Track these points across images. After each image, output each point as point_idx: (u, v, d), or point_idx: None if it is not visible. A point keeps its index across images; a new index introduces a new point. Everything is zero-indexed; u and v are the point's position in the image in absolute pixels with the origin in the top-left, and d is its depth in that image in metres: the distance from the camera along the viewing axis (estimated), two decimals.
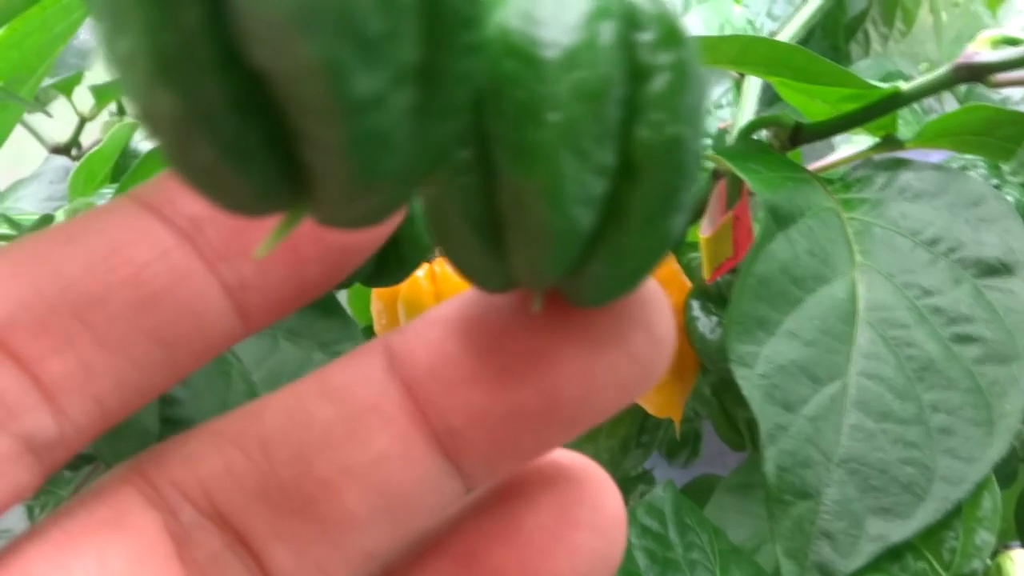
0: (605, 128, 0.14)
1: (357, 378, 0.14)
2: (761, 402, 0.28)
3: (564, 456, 0.15)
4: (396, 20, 0.10)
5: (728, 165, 0.31)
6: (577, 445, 0.51)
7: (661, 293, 0.15)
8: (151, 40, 0.10)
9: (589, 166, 0.14)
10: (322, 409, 0.14)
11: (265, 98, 0.11)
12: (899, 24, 0.75)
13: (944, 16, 0.70)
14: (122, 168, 0.39)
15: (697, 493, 0.66)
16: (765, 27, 0.70)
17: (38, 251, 0.13)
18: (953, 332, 0.30)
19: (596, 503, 0.14)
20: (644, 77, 0.14)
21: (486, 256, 0.17)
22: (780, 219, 0.30)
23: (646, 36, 0.15)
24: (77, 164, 0.36)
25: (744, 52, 0.32)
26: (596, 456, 0.51)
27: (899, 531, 0.27)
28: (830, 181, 0.36)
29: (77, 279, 0.13)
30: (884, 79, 0.61)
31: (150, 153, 0.31)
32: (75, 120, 0.62)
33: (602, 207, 0.15)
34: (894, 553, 0.27)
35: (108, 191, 0.34)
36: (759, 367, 0.29)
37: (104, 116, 0.64)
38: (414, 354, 0.14)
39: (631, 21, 0.15)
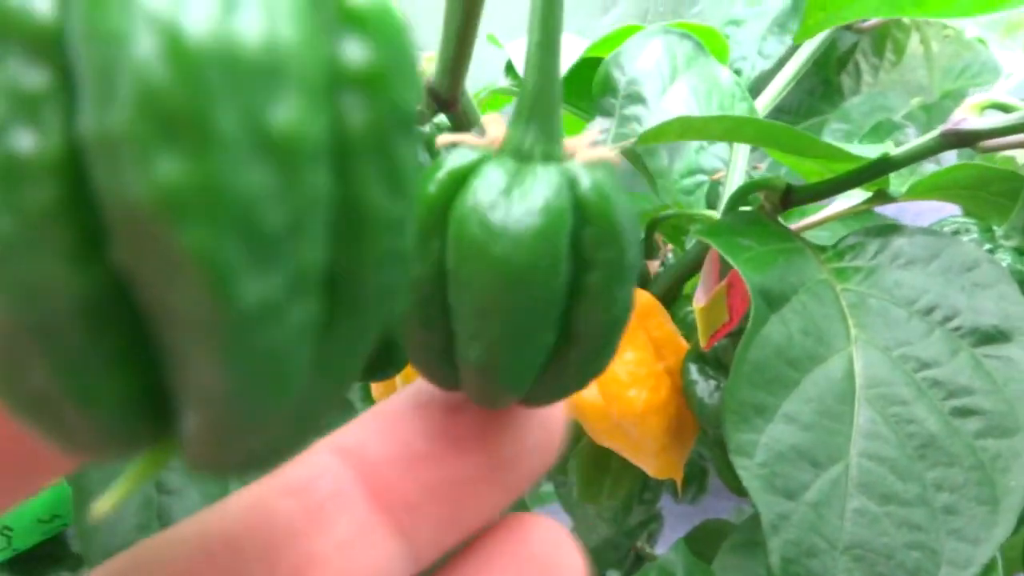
0: (549, 316, 0.17)
1: (314, 472, 0.15)
2: (761, 492, 0.28)
3: (521, 517, 0.17)
4: (300, 211, 0.08)
5: (715, 245, 0.31)
6: (580, 504, 0.51)
7: None
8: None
9: (533, 346, 0.17)
10: (285, 503, 0.14)
11: (124, 304, 0.08)
12: (889, 55, 0.75)
13: (935, 46, 0.71)
14: None
15: (705, 538, 0.65)
16: (757, 67, 0.70)
17: None
18: (953, 405, 0.30)
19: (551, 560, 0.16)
20: (585, 268, 0.16)
21: (444, 369, 0.19)
22: (772, 301, 0.30)
23: (589, 232, 0.16)
24: None
25: (733, 131, 0.32)
26: (599, 515, 0.50)
27: None
28: (822, 249, 0.36)
29: None
30: (875, 117, 0.61)
31: None
32: None
33: (545, 361, 0.17)
34: None
35: None
36: (758, 456, 0.28)
37: None
38: (366, 444, 0.15)
39: (579, 214, 0.17)
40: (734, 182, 0.42)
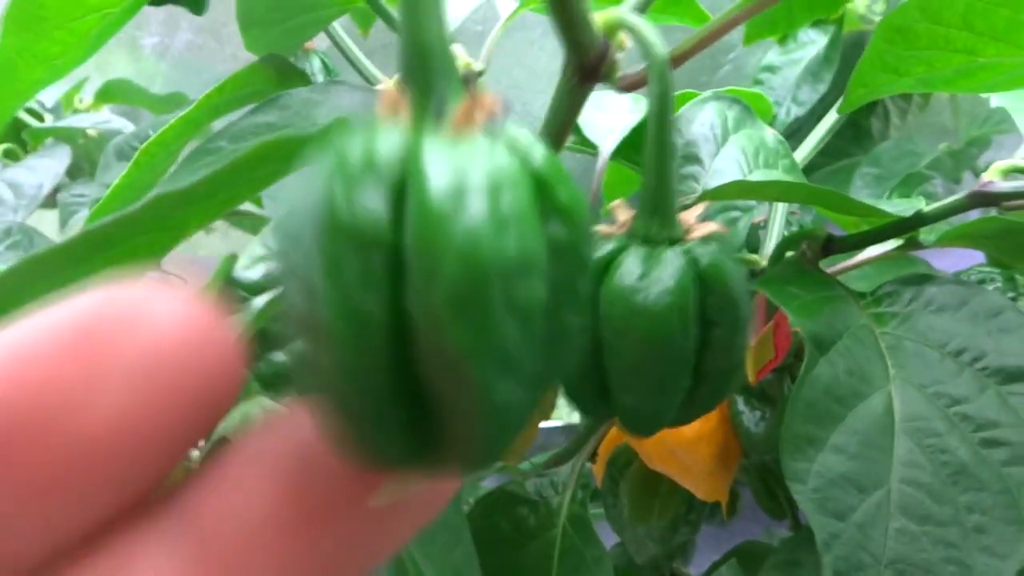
0: (684, 368, 0.22)
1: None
2: (815, 513, 0.32)
3: None
4: (531, 346, 0.14)
5: (770, 295, 0.35)
6: (631, 524, 0.55)
7: None
8: (342, 352, 0.13)
9: (673, 392, 0.22)
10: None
11: (415, 392, 0.14)
12: (917, 98, 0.79)
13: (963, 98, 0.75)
14: None
15: (743, 558, 0.69)
16: (792, 112, 0.75)
17: None
18: (982, 437, 0.34)
19: None
20: (710, 327, 0.22)
21: (600, 410, 0.25)
22: (821, 345, 0.35)
23: (711, 299, 0.22)
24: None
25: (786, 193, 0.36)
26: (648, 535, 0.54)
27: None
28: (861, 295, 0.40)
29: None
30: (904, 162, 0.65)
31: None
32: None
33: (683, 400, 0.23)
34: None
35: None
36: (811, 482, 0.33)
37: None
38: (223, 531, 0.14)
39: (701, 285, 0.23)
40: (776, 226, 0.46)
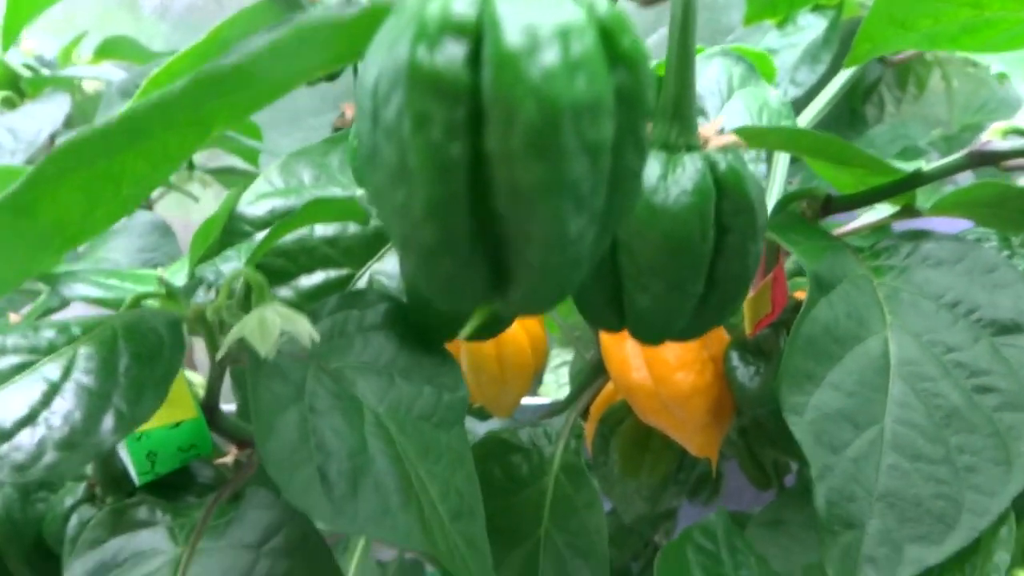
0: (699, 271, 0.23)
1: None
2: (811, 445, 0.33)
3: None
4: (598, 181, 0.15)
5: (776, 238, 0.36)
6: (620, 481, 0.55)
7: None
8: (428, 193, 0.15)
9: (686, 295, 0.24)
10: None
11: (493, 232, 0.15)
12: (912, 88, 0.80)
13: (955, 82, 0.76)
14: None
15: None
16: (789, 93, 0.75)
17: None
18: (974, 384, 0.35)
19: None
20: (725, 231, 0.23)
21: (610, 318, 0.25)
22: (822, 286, 0.35)
23: (727, 203, 0.23)
24: (197, 227, 0.41)
25: (790, 141, 0.37)
26: (637, 492, 0.55)
27: (934, 555, 0.31)
28: (860, 249, 0.41)
29: None
30: (897, 145, 0.66)
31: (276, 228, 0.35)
32: None
33: (695, 306, 0.24)
34: (927, 572, 0.31)
35: (231, 253, 0.39)
36: (808, 415, 0.33)
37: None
38: None
39: (719, 190, 0.24)
40: (776, 184, 0.47)
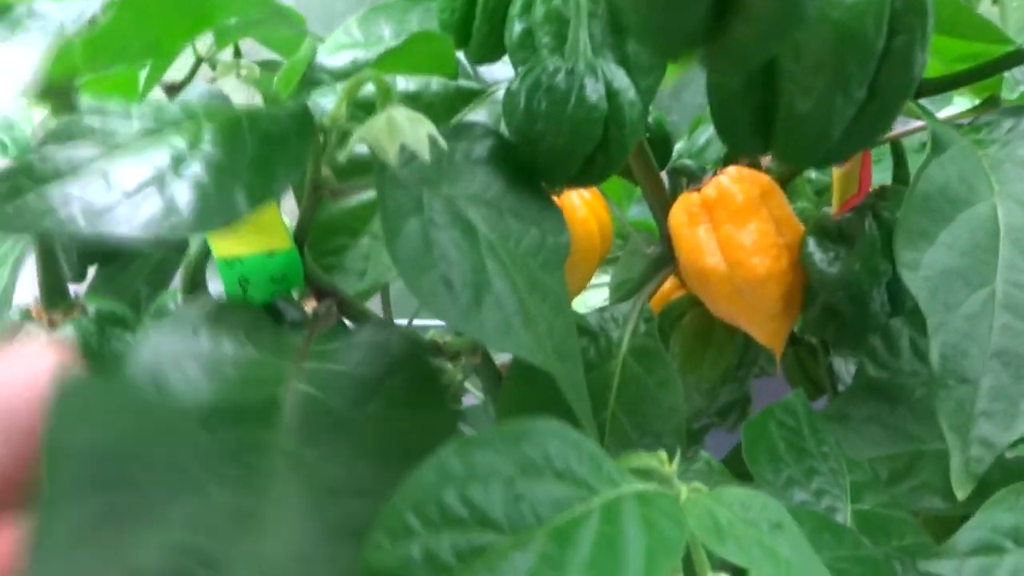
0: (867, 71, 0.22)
1: None
2: (927, 300, 0.32)
3: None
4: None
5: None
6: (680, 376, 0.55)
7: None
8: None
9: (851, 98, 0.22)
10: None
11: None
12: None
13: (1011, 4, 0.74)
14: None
15: None
16: None
17: None
18: None
19: None
20: (894, 34, 0.22)
21: (753, 138, 0.24)
22: (939, 145, 0.35)
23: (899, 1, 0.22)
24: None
25: None
26: (696, 387, 0.55)
27: None
28: (959, 126, 0.40)
29: None
30: None
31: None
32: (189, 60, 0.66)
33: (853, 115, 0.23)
34: None
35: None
36: (923, 271, 0.33)
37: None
38: None
39: None
40: None
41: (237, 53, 0.68)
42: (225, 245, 0.32)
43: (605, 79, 0.31)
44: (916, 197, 0.33)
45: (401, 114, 0.27)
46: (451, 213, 0.28)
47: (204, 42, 0.70)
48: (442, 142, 0.27)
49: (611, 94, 0.31)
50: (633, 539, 0.25)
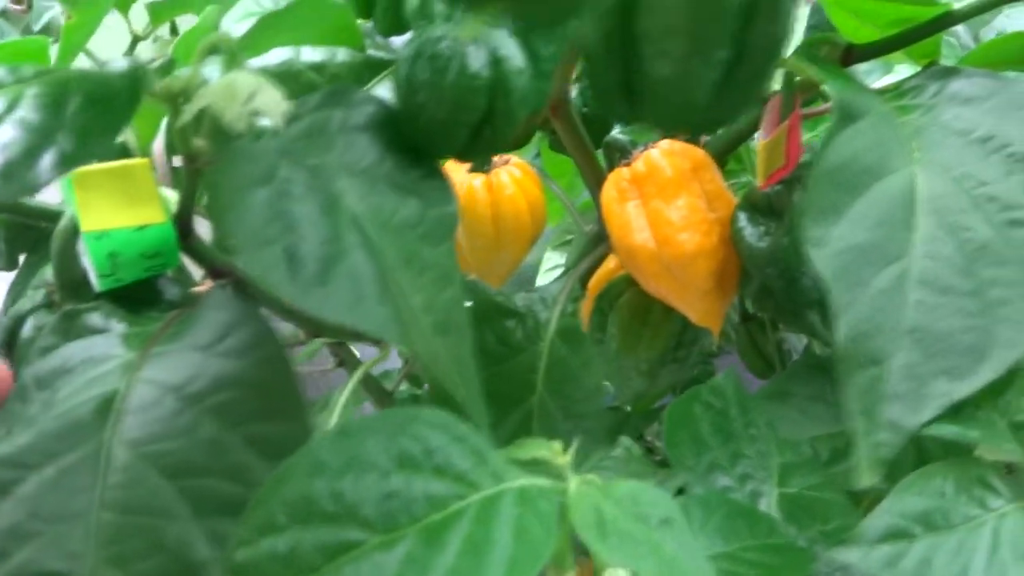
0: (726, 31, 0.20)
1: None
2: (833, 278, 0.30)
3: None
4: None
5: (804, 69, 0.33)
6: (617, 357, 0.53)
7: None
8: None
9: (711, 61, 0.21)
10: None
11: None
12: None
13: None
14: None
15: None
16: None
17: None
18: (1007, 217, 0.32)
19: None
20: None
21: (622, 104, 0.22)
22: (848, 115, 0.33)
23: None
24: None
25: None
26: (635, 368, 0.53)
27: (962, 389, 0.30)
28: (883, 91, 0.38)
29: None
30: None
31: None
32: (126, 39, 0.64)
33: (719, 79, 0.21)
34: (956, 407, 0.30)
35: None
36: (830, 247, 0.31)
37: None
38: None
39: None
40: (793, 41, 0.44)
41: (174, 30, 0.66)
42: (93, 218, 0.30)
43: (489, 46, 0.29)
44: (824, 169, 0.31)
45: (246, 79, 0.25)
46: (311, 184, 0.27)
47: (140, 20, 0.68)
48: (285, 107, 0.25)
49: (495, 61, 0.29)
50: (500, 545, 0.24)
